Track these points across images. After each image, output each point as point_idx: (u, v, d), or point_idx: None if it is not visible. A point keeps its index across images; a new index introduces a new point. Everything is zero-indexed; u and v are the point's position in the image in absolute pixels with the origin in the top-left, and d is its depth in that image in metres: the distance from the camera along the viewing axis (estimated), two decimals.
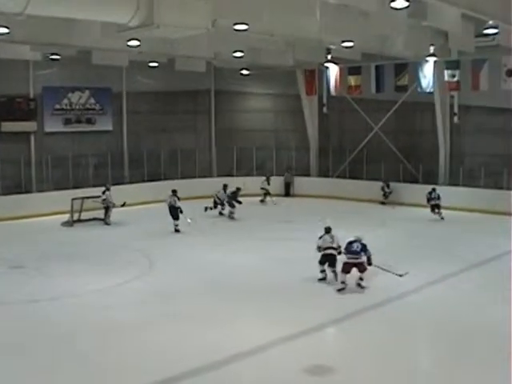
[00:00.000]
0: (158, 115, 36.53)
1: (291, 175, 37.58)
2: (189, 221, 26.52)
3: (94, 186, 31.54)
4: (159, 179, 35.05)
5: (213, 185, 35.40)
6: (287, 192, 37.44)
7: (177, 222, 26.67)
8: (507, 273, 19.92)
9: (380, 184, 34.12)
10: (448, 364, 12.95)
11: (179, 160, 35.91)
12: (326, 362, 12.78)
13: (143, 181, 34.69)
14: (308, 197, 36.28)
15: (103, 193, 28.27)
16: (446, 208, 30.36)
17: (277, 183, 36.35)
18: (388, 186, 33.88)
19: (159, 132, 36.45)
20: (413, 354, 13.81)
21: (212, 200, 30.49)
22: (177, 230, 26.66)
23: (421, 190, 31.35)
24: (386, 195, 33.91)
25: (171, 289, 18.21)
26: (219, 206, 30.37)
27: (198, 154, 37.14)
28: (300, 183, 37.61)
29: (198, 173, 36.78)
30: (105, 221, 28.25)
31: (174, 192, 27.24)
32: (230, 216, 29.67)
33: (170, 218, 26.70)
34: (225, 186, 30.38)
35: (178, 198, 26.98)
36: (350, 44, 25.21)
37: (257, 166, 37.98)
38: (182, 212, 26.58)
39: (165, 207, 26.94)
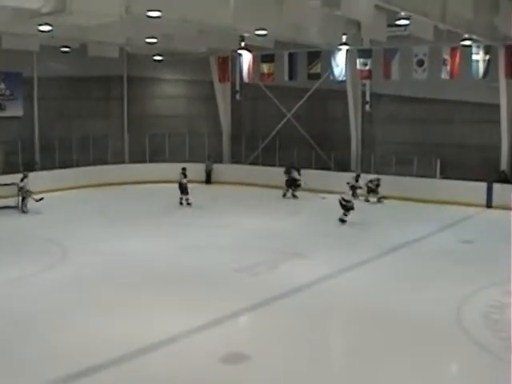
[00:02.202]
0: (70, 101, 35.86)
1: (211, 163, 37.40)
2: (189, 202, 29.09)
3: (5, 173, 30.92)
4: (71, 166, 34.45)
5: (125, 171, 35.31)
6: (208, 180, 37.22)
7: (187, 197, 29.26)
8: (418, 259, 20.47)
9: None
10: (360, 350, 13.15)
11: (91, 146, 35.39)
12: (241, 350, 12.79)
13: (55, 167, 34.00)
14: (221, 183, 36.28)
15: (21, 180, 27.65)
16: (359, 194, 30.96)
17: (195, 170, 36.15)
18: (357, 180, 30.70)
19: (71, 118, 35.79)
20: (326, 341, 13.93)
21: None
22: (188, 204, 29.18)
23: (333, 177, 31.73)
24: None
25: (85, 278, 17.86)
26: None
27: (110, 141, 36.64)
28: (213, 170, 37.45)
29: (110, 159, 36.31)
30: (22, 209, 27.63)
31: (184, 170, 29.65)
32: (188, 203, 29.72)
33: (82, 205, 26.41)
34: (183, 170, 30.04)
35: (185, 176, 29.48)
36: (264, 32, 25.21)
37: (169, 151, 37.70)
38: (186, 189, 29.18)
39: (76, 193, 26.54)
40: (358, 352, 13.07)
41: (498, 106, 30.16)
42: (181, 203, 29.53)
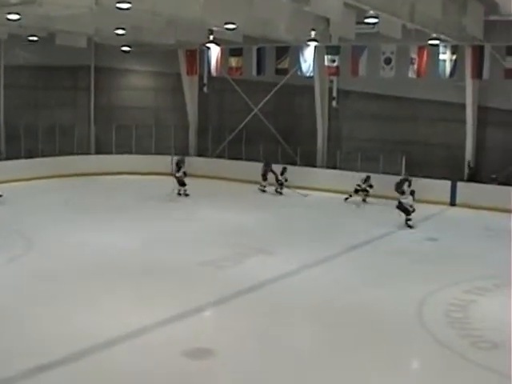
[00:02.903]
0: (37, 90, 35.63)
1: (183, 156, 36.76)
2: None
3: None
4: (37, 156, 34.14)
5: (91, 162, 35.16)
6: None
7: (185, 188, 29.91)
8: (381, 257, 20.65)
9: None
10: (322, 346, 13.28)
11: (57, 136, 35.10)
12: (204, 345, 12.80)
13: (20, 157, 33.66)
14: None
15: None
16: (318, 189, 31.19)
17: (162, 162, 36.02)
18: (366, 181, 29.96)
19: (38, 107, 35.56)
20: (290, 336, 13.90)
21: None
22: (186, 195, 29.91)
23: (298, 172, 31.82)
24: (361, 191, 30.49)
25: (49, 270, 17.68)
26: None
27: (77, 131, 36.38)
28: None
29: (76, 149, 36.03)
30: None
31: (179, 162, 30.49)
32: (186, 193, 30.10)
33: (48, 196, 26.25)
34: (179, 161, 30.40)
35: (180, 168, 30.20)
36: (233, 26, 25.20)
37: (136, 143, 37.52)
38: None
39: (42, 183, 26.32)
40: (320, 348, 13.18)
41: (463, 106, 30.48)
42: (179, 194, 30.06)
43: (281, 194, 31.74)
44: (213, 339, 13.32)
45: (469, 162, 30.85)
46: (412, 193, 25.49)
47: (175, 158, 33.39)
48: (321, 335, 13.92)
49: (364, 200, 29.67)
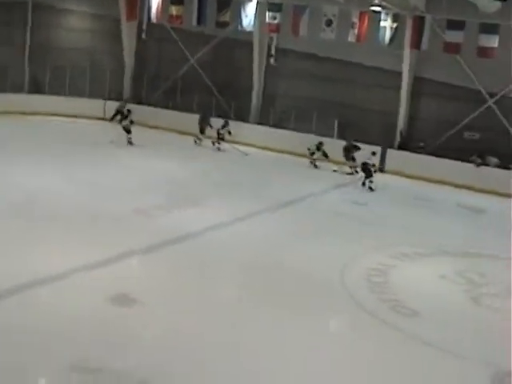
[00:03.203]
0: None
1: (125, 103, 36.05)
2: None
3: None
4: None
5: (24, 102, 34.50)
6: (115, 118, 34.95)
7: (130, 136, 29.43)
8: (309, 216, 20.95)
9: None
10: (244, 299, 13.59)
11: None
12: (130, 292, 12.87)
13: None
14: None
15: None
16: (250, 145, 31.32)
17: (95, 106, 35.64)
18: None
19: None
20: (213, 288, 14.07)
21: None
22: (130, 143, 29.40)
23: (231, 127, 31.74)
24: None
25: None
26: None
27: (10, 69, 35.56)
28: (112, 106, 36.66)
29: (9, 88, 35.25)
30: None
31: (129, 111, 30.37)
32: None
33: None
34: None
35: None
36: None
37: (69, 85, 36.91)
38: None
39: None
40: (242, 301, 13.51)
41: (399, 74, 30.83)
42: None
43: (219, 149, 31.42)
44: (137, 287, 13.34)
45: (401, 131, 31.27)
46: (365, 165, 26.25)
47: (117, 105, 33.36)
48: (243, 288, 14.23)
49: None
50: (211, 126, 31.61)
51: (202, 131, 32.09)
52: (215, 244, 16.92)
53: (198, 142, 32.04)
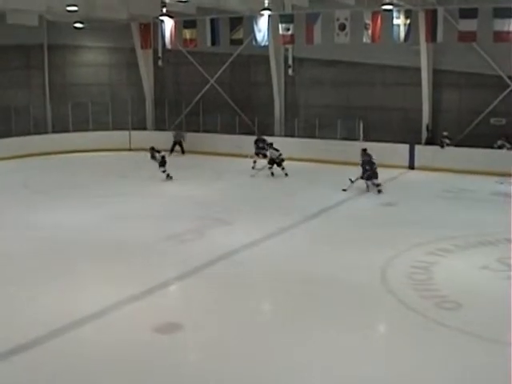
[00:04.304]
0: None
1: (180, 131, 36.38)
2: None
3: None
4: None
5: (48, 141, 34.82)
6: (173, 149, 35.51)
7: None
8: (341, 223, 20.82)
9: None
10: (290, 316, 13.31)
11: (13, 117, 34.65)
12: (173, 320, 12.83)
13: None
14: (145, 150, 35.79)
15: None
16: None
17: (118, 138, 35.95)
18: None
19: None
20: (255, 308, 14.08)
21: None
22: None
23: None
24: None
25: (9, 253, 17.44)
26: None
27: (32, 110, 35.94)
28: (137, 136, 37.08)
29: (32, 130, 35.59)
30: None
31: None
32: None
33: (5, 178, 26.24)
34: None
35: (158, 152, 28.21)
36: None
37: (92, 119, 37.21)
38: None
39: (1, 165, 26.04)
40: (288, 318, 13.22)
41: (418, 69, 30.72)
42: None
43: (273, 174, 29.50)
44: (181, 314, 13.32)
45: (427, 126, 31.11)
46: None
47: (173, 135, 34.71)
48: (287, 305, 13.97)
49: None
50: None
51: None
52: (251, 262, 16.83)
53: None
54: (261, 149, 30.64)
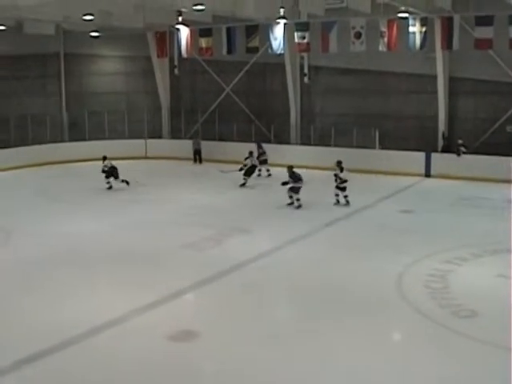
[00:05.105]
0: (6, 80, 35.24)
1: (199, 141, 36.40)
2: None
3: None
4: (9, 146, 33.78)
5: (65, 150, 34.98)
6: (196, 158, 35.89)
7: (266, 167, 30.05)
8: (358, 230, 20.79)
9: None
10: (308, 323, 13.29)
11: (29, 126, 34.84)
12: (191, 327, 12.84)
13: None
14: (160, 159, 36.10)
15: None
16: (298, 166, 31.14)
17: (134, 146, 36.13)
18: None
19: (8, 97, 35.23)
20: (273, 315, 14.05)
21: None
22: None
23: (273, 150, 31.83)
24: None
25: (27, 261, 17.53)
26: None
27: (48, 119, 36.16)
28: (153, 145, 37.25)
29: (49, 138, 35.75)
30: None
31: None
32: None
33: (22, 186, 26.21)
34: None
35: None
36: (201, 7, 25.10)
37: (109, 129, 37.37)
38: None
39: (16, 174, 26.08)
40: (305, 325, 13.19)
41: (434, 77, 30.67)
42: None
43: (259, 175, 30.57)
44: (196, 322, 13.32)
45: (443, 133, 31.04)
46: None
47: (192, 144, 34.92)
48: (305, 312, 13.97)
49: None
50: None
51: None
52: (269, 270, 16.82)
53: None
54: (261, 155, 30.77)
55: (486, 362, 11.35)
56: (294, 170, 24.03)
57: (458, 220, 21.99)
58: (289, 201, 24.04)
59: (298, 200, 23.80)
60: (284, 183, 23.83)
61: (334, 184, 24.32)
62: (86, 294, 14.85)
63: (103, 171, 27.90)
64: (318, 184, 28.31)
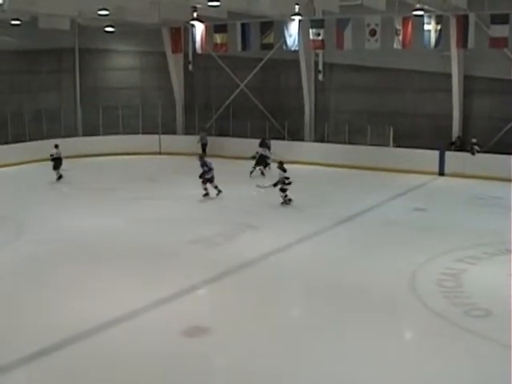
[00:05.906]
0: (21, 75, 35.27)
1: (206, 135, 36.57)
2: None
3: None
4: (24, 140, 33.92)
5: (79, 144, 35.05)
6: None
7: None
8: (371, 228, 20.76)
9: None
10: (318, 320, 13.31)
11: (44, 120, 34.93)
12: (202, 323, 12.87)
13: (7, 142, 33.47)
14: (173, 154, 36.11)
15: None
16: (312, 163, 31.20)
17: (147, 141, 36.21)
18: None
19: (23, 92, 35.29)
20: (284, 312, 14.05)
21: None
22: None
23: (286, 147, 31.85)
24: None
25: (41, 255, 17.68)
26: None
27: (63, 114, 36.26)
28: (167, 141, 37.28)
29: (63, 132, 35.79)
30: None
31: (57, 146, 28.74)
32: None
33: (36, 180, 26.29)
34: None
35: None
36: (217, 3, 25.04)
37: (123, 124, 37.44)
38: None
39: (30, 167, 26.17)
40: (317, 322, 13.20)
41: (449, 75, 30.57)
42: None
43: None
44: (209, 317, 13.38)
45: (458, 136, 30.83)
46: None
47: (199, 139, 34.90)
48: (315, 309, 13.99)
49: None
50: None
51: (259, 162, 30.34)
52: (280, 267, 16.86)
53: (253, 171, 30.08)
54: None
55: (499, 361, 11.29)
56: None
57: (472, 219, 21.96)
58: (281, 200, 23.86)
59: (285, 196, 23.71)
60: (275, 184, 23.77)
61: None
62: (96, 290, 14.91)
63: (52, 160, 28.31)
64: (330, 181, 28.36)
